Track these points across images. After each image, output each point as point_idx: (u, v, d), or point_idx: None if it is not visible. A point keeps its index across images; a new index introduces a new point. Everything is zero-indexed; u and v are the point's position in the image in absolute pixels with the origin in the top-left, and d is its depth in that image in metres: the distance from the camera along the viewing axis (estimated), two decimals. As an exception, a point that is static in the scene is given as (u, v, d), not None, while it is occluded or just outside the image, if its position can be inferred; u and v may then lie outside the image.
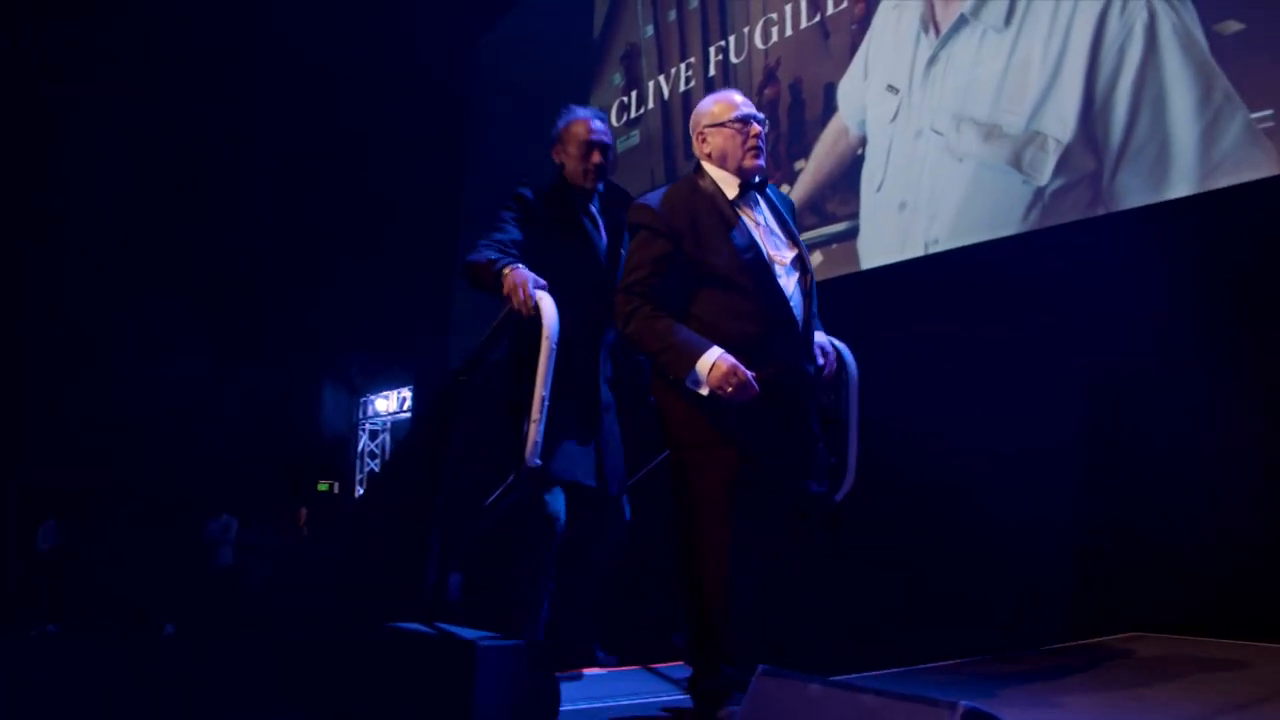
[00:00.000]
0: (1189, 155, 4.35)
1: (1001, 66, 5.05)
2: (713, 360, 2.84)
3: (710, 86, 7.12)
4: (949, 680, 3.42)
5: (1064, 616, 4.28)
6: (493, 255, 3.37)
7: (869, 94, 5.75)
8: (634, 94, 7.98)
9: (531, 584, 3.46)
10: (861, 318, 4.27)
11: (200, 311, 13.20)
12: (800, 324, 3.02)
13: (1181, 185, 4.35)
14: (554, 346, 3.02)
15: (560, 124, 3.72)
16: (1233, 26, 4.35)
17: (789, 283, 3.02)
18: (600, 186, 3.69)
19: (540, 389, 2.99)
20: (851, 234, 5.69)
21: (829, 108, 6.05)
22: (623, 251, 3.57)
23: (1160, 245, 4.38)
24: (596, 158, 3.63)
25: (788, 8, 6.50)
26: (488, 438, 3.61)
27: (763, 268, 2.97)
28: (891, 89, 5.53)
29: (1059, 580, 4.41)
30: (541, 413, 3.00)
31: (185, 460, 13.17)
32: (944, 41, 5.37)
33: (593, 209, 3.68)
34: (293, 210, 13.56)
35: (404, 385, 15.40)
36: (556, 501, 3.48)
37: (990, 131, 4.96)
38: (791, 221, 3.17)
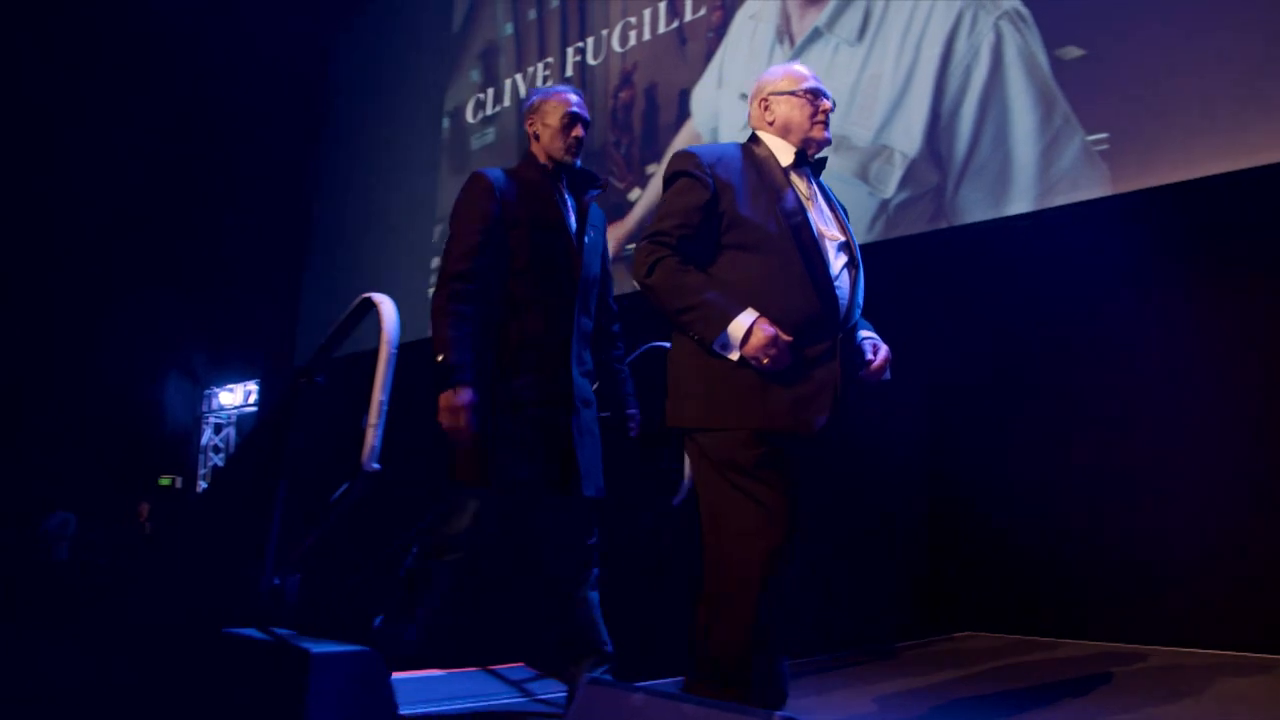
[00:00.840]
0: (1029, 173, 4.43)
1: (853, 80, 5.08)
2: (749, 324, 2.55)
3: (566, 87, 7.04)
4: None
5: (905, 615, 4.31)
6: (456, 337, 3.07)
7: (722, 101, 5.74)
8: (491, 91, 7.86)
9: (422, 586, 3.19)
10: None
11: (36, 297, 12.60)
12: (843, 308, 2.69)
13: (1021, 202, 4.43)
14: (394, 352, 2.85)
15: (537, 96, 3.46)
16: (1074, 52, 4.45)
17: (836, 261, 2.70)
18: (578, 163, 3.43)
19: (379, 393, 2.82)
20: (700, 240, 5.63)
21: (683, 113, 6.02)
22: (588, 237, 3.34)
23: (1001, 259, 4.44)
24: (579, 130, 3.38)
25: (646, 12, 6.46)
26: (331, 438, 3.45)
27: (808, 235, 2.67)
28: (744, 97, 5.52)
29: (899, 579, 4.45)
30: (380, 418, 2.81)
31: (20, 454, 12.53)
32: (798, 52, 5.38)
33: (564, 189, 3.39)
34: (138, 196, 13.05)
35: (250, 378, 14.92)
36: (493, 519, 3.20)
37: (839, 143, 4.98)
38: (845, 216, 2.88)
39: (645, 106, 6.29)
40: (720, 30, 5.93)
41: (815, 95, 2.84)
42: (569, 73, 7.05)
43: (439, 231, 8.05)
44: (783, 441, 2.60)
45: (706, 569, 2.61)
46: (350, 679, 2.70)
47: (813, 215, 2.71)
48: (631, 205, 6.35)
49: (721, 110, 5.73)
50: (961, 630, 4.32)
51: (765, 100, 2.86)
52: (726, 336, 2.56)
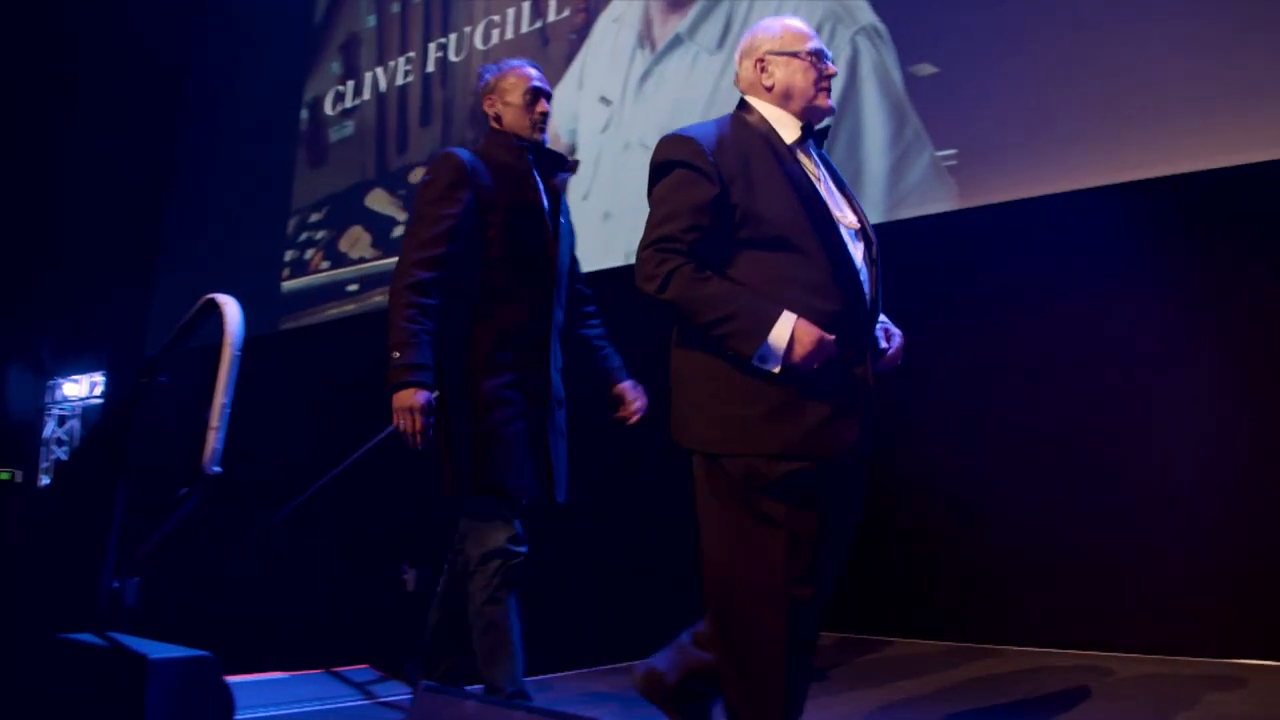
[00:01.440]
0: (879, 186, 4.55)
1: (711, 87, 5.14)
2: (790, 329, 2.25)
3: (428, 83, 6.98)
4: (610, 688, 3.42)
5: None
6: (416, 332, 2.86)
7: (582, 103, 5.76)
8: (351, 84, 7.74)
9: (501, 627, 2.90)
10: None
11: None
12: (868, 301, 2.45)
13: (871, 214, 4.51)
14: (237, 355, 2.74)
15: (491, 74, 3.22)
16: (927, 69, 4.58)
17: (856, 251, 2.43)
18: (545, 140, 3.22)
19: (221, 396, 2.71)
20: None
21: (543, 114, 6.01)
22: (561, 222, 3.15)
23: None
24: (544, 105, 3.16)
25: (510, 11, 6.44)
26: (176, 438, 3.32)
27: (830, 227, 2.38)
28: (604, 100, 5.55)
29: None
30: (222, 420, 2.71)
31: None
32: (658, 58, 5.43)
33: (535, 172, 3.15)
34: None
35: (97, 370, 14.41)
36: (517, 527, 2.99)
37: (698, 150, 5.02)
38: (853, 194, 2.60)
39: (506, 106, 6.27)
40: (582, 33, 5.95)
41: (819, 58, 2.54)
42: (430, 69, 6.98)
43: (293, 224, 7.90)
44: (814, 463, 2.31)
45: (714, 620, 2.35)
46: (188, 684, 2.61)
47: (825, 199, 2.43)
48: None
49: (581, 112, 5.74)
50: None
51: (762, 61, 2.54)
52: (768, 348, 2.26)
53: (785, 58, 2.52)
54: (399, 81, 7.24)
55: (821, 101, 2.53)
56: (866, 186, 4.58)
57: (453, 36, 6.84)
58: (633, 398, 3.27)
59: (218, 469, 2.70)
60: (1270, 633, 3.56)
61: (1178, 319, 3.98)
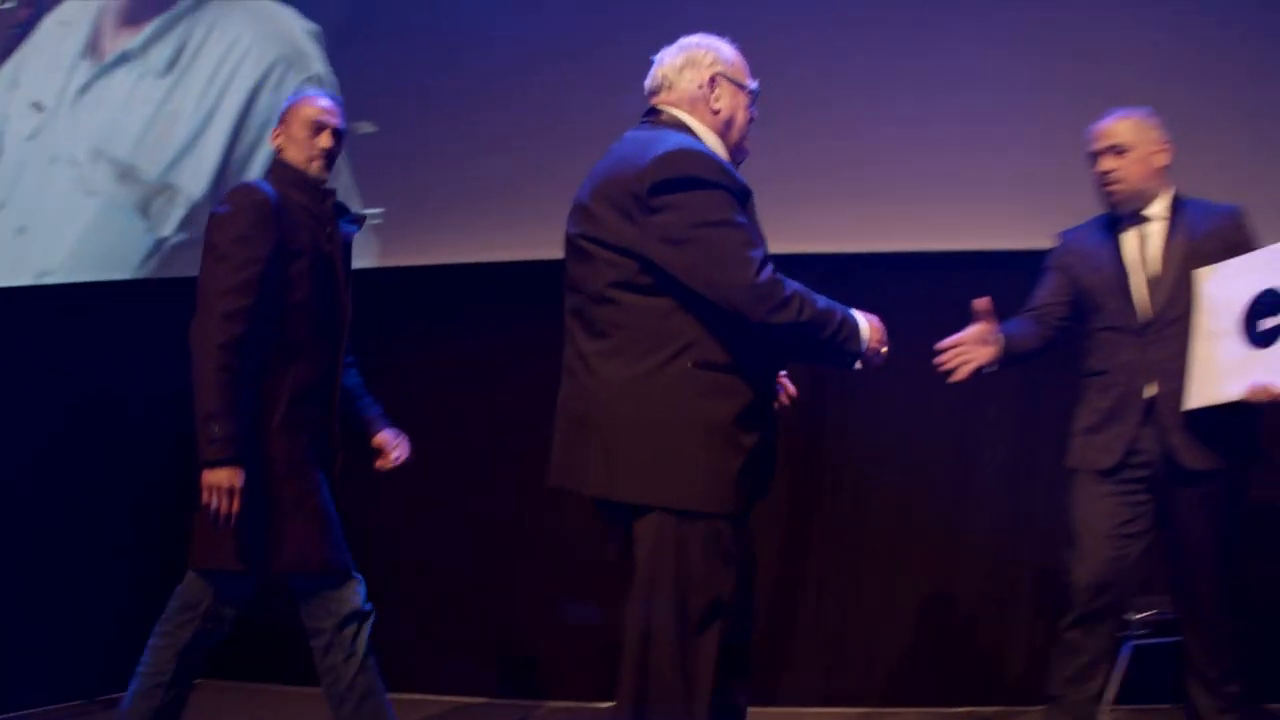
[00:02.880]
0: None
1: (152, 112, 4.99)
2: (864, 318, 2.24)
3: None
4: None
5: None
6: (231, 400, 2.66)
7: (13, 104, 5.37)
8: None
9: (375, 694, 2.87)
10: None
11: None
12: None
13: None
14: None
15: (285, 104, 3.03)
16: (366, 127, 4.72)
17: None
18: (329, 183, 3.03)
19: None
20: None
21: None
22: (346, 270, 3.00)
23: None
24: (327, 140, 2.94)
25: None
26: None
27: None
28: (37, 106, 5.21)
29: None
30: None
31: None
32: (102, 72, 5.19)
33: (335, 216, 3.02)
34: None
35: None
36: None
37: (126, 173, 4.88)
38: None
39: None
40: (27, 27, 5.55)
41: (753, 100, 2.45)
42: None
43: None
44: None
45: (636, 663, 2.15)
46: None
47: None
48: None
49: (10, 114, 5.34)
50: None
51: (714, 79, 2.36)
52: (863, 344, 2.23)
53: (734, 87, 2.40)
54: None
55: (747, 145, 2.47)
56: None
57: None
58: (394, 445, 3.16)
59: None
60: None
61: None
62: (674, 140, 2.22)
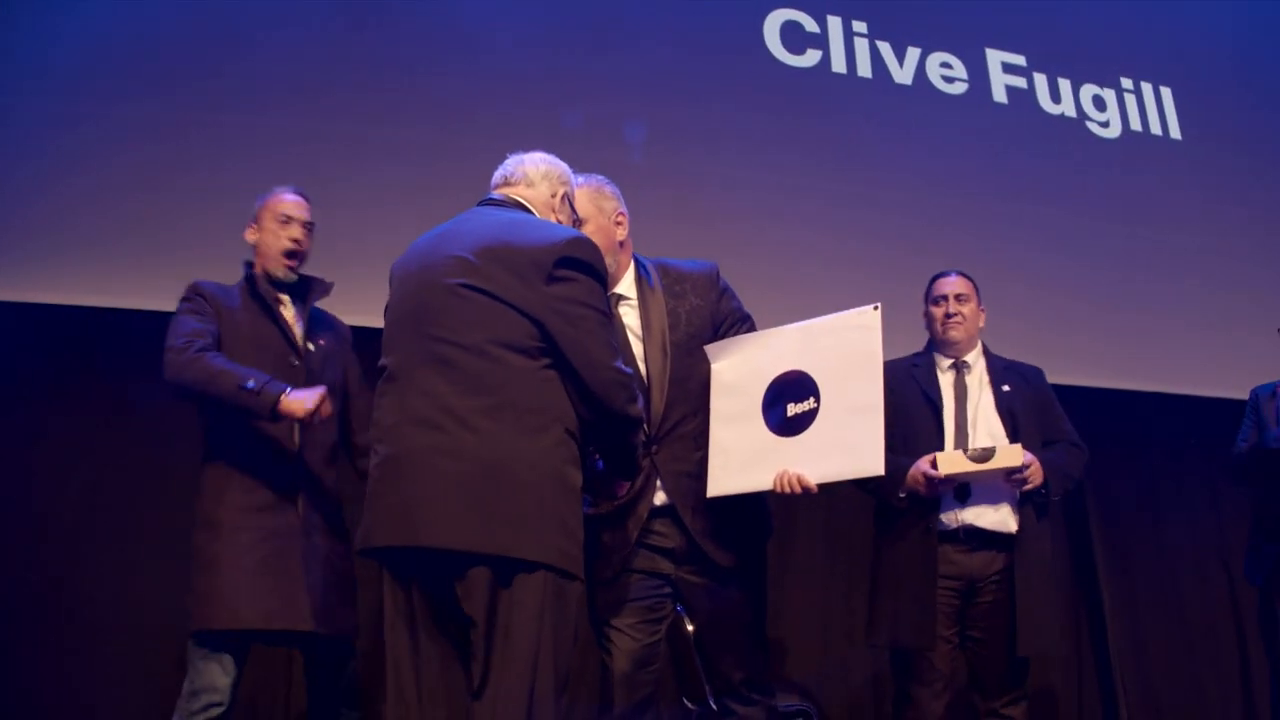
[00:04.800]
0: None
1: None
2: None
3: None
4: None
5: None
6: (220, 370, 2.77)
7: None
8: None
9: None
10: None
11: None
12: None
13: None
14: None
15: (258, 201, 3.12)
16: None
17: None
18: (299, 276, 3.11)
19: None
20: None
21: None
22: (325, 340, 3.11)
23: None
24: (296, 232, 3.05)
25: None
26: None
27: None
28: None
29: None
30: None
31: None
32: None
33: (291, 301, 3.09)
34: None
35: None
36: None
37: None
38: None
39: None
40: None
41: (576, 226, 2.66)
42: None
43: None
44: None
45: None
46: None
47: None
48: None
49: None
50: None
51: (565, 196, 2.57)
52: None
53: (570, 210, 2.60)
54: None
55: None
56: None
57: None
58: None
59: None
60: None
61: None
62: (569, 229, 2.44)
